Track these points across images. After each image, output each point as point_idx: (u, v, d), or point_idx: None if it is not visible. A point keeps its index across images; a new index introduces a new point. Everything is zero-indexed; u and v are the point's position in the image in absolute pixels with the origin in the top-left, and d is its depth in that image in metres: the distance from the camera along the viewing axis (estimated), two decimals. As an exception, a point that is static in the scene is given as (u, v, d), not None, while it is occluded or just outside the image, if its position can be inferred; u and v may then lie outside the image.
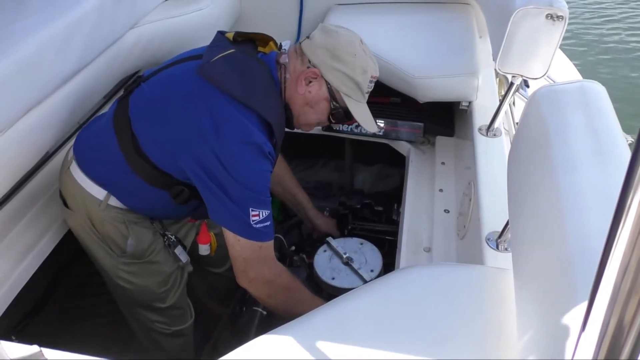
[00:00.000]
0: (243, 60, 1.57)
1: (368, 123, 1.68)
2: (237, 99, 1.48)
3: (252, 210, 1.49)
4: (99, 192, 1.67)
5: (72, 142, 2.02)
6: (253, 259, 1.56)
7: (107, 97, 2.31)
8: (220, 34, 1.67)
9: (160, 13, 2.31)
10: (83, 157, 1.69)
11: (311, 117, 1.67)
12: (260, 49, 1.68)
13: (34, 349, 1.06)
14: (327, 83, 1.61)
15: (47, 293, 2.26)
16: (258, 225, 1.51)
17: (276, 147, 1.58)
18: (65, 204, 1.75)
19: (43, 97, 1.75)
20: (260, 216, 1.51)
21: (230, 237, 1.54)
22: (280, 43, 1.72)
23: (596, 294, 0.53)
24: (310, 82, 1.60)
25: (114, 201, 1.68)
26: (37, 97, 1.73)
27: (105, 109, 2.26)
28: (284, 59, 1.63)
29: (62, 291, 2.29)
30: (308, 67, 1.59)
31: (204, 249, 1.90)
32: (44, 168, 1.89)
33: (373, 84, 1.66)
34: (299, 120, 1.68)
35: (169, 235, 1.81)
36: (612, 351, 0.53)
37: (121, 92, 2.38)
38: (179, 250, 1.83)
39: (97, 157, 1.68)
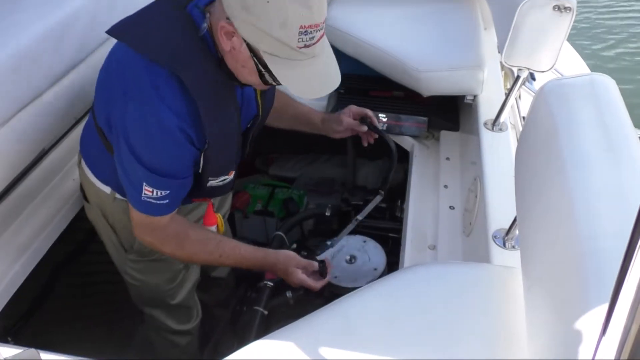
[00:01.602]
0: (159, 13, 1.44)
1: (302, 89, 1.37)
2: (147, 57, 1.36)
3: (146, 187, 1.43)
4: (106, 187, 1.67)
5: (69, 137, 2.03)
6: (140, 224, 1.55)
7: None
8: None
9: (158, 6, 2.30)
10: (86, 154, 1.70)
11: (247, 78, 1.42)
12: None
13: (31, 351, 1.05)
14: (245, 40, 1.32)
15: (43, 293, 2.25)
16: (149, 200, 1.45)
17: (204, 106, 1.39)
18: (85, 197, 1.77)
19: (39, 92, 1.74)
20: (155, 194, 1.44)
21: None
22: None
23: (618, 296, 0.52)
24: (232, 36, 1.33)
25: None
26: (33, 92, 1.72)
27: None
28: (212, 8, 1.39)
29: (59, 291, 2.29)
30: (226, 18, 1.31)
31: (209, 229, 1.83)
32: (40, 165, 1.88)
33: (314, 35, 1.29)
34: (240, 80, 1.45)
35: None
36: (635, 353, 0.52)
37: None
38: None
39: (92, 153, 1.68)
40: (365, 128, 1.99)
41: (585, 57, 3.73)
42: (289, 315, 1.68)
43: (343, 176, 2.84)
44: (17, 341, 1.39)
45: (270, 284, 1.87)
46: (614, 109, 1.12)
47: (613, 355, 0.55)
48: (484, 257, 1.47)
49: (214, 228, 1.81)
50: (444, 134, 2.25)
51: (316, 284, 1.72)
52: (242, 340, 1.63)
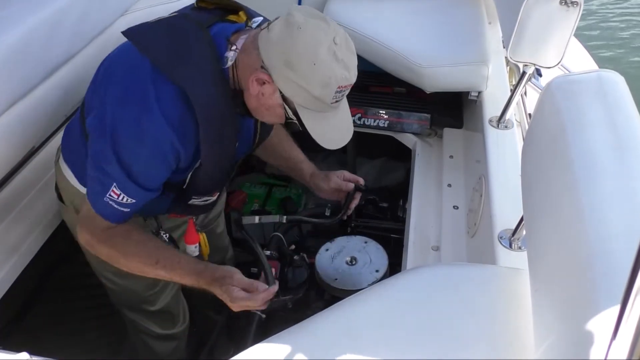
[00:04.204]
0: (181, 26, 1.44)
1: (327, 140, 1.47)
2: (158, 67, 1.38)
3: (114, 189, 1.43)
4: (85, 189, 1.66)
5: (59, 135, 2.02)
6: (86, 220, 1.52)
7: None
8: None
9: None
10: (68, 153, 1.68)
11: (268, 119, 1.52)
12: (232, 17, 1.52)
13: (23, 356, 1.06)
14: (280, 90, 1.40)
15: (33, 296, 2.26)
16: (111, 202, 1.45)
17: (206, 129, 1.42)
18: (60, 197, 1.74)
19: (29, 88, 1.74)
20: (120, 199, 1.44)
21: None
22: (253, 18, 1.53)
23: (629, 298, 0.53)
24: (263, 83, 1.40)
25: None
26: (23, 88, 1.72)
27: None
28: (239, 41, 1.44)
29: (49, 294, 2.29)
30: (262, 67, 1.38)
31: (191, 250, 1.79)
32: (30, 163, 1.88)
33: (344, 92, 1.42)
34: (256, 117, 1.53)
35: (162, 235, 1.79)
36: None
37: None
38: None
39: (74, 152, 1.65)
40: (352, 186, 1.88)
41: (592, 53, 3.73)
42: (288, 319, 1.68)
43: (342, 175, 2.83)
44: (6, 346, 1.38)
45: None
46: (623, 105, 1.12)
47: (625, 357, 0.56)
48: (490, 259, 1.48)
49: (195, 247, 1.78)
50: (448, 132, 2.25)
51: (256, 302, 1.53)
52: (238, 345, 1.63)
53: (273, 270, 1.97)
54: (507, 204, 1.60)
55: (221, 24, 1.49)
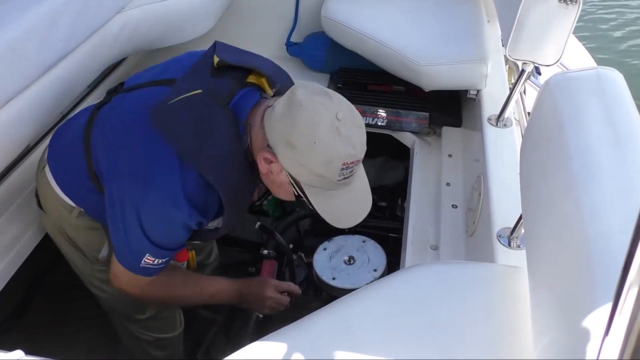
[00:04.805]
0: (204, 108, 1.44)
1: (337, 220, 1.47)
2: (184, 157, 1.41)
3: (148, 257, 1.50)
4: (69, 200, 1.65)
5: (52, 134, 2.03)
6: (124, 279, 1.58)
7: (92, 86, 2.31)
8: (212, 48, 1.55)
9: (148, -4, 2.30)
10: (55, 164, 1.65)
11: (280, 195, 1.53)
12: (252, 79, 1.52)
13: (17, 352, 1.05)
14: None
15: (28, 296, 2.26)
16: (148, 266, 1.52)
17: (229, 206, 1.48)
18: (39, 204, 1.73)
19: (25, 86, 1.74)
20: (155, 263, 1.52)
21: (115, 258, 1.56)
22: (274, 85, 1.53)
23: (620, 296, 0.53)
24: (270, 162, 1.41)
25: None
26: (18, 86, 1.72)
27: (90, 99, 2.26)
28: (256, 117, 1.44)
29: (45, 294, 2.29)
30: (268, 145, 1.39)
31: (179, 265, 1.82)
32: (24, 162, 1.89)
33: (354, 169, 1.40)
34: (271, 191, 1.56)
35: None
36: (637, 353, 0.53)
37: (105, 83, 2.39)
38: None
39: (66, 168, 1.64)
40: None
41: (590, 50, 3.74)
42: (285, 318, 1.68)
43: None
44: (2, 344, 1.38)
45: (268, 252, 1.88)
46: (622, 103, 1.12)
47: (616, 355, 0.56)
48: (488, 257, 1.48)
49: (183, 264, 1.80)
50: (446, 130, 2.25)
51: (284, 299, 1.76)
52: (236, 344, 1.63)
53: (271, 270, 1.97)
54: (505, 202, 1.60)
55: (242, 94, 1.48)
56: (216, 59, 1.50)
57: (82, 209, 1.65)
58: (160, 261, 1.52)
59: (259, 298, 1.71)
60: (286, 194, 1.49)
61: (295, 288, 1.76)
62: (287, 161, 1.37)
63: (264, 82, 1.52)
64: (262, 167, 1.42)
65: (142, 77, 1.63)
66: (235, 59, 1.53)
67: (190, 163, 1.40)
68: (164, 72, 1.60)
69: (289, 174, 1.39)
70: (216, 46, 1.56)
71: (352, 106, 1.43)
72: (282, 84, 1.55)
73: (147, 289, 1.60)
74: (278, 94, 1.50)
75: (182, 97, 1.43)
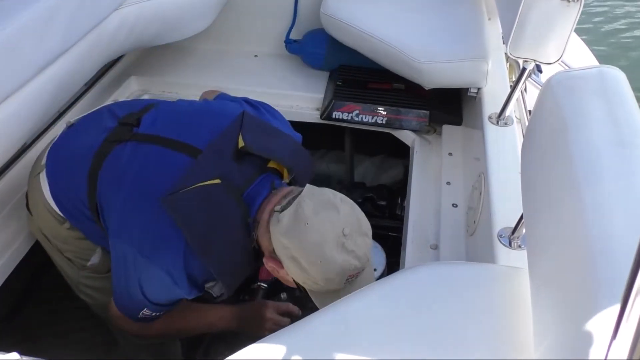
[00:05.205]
0: (219, 197, 1.44)
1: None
2: (191, 247, 1.42)
3: (146, 310, 1.55)
4: (59, 212, 1.64)
5: (51, 131, 2.02)
6: (123, 321, 1.63)
7: (89, 84, 2.30)
8: (240, 121, 1.54)
9: (146, -7, 2.29)
10: (53, 177, 1.63)
11: (286, 283, 1.54)
12: (272, 164, 1.54)
13: (13, 356, 1.05)
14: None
15: (23, 297, 2.25)
16: (146, 316, 1.57)
17: (229, 291, 1.55)
18: (27, 206, 1.71)
19: (21, 83, 1.73)
20: (153, 315, 1.57)
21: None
22: (291, 174, 1.56)
23: (629, 298, 0.52)
24: (274, 261, 1.45)
25: None
26: (15, 83, 1.71)
27: (87, 96, 2.25)
28: (260, 214, 1.46)
29: (42, 293, 2.28)
30: (273, 251, 1.43)
31: None
32: (21, 160, 1.88)
33: (360, 274, 1.42)
34: (278, 279, 1.58)
35: None
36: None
37: (102, 81, 2.38)
38: None
39: (66, 186, 1.62)
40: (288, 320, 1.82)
41: (593, 48, 3.73)
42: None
43: (340, 172, 2.84)
44: (-2, 346, 1.38)
45: (264, 285, 1.87)
46: (624, 102, 1.12)
47: (625, 357, 0.55)
48: (489, 257, 1.48)
49: None
50: (447, 129, 2.25)
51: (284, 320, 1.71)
52: (233, 345, 1.63)
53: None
54: (506, 201, 1.60)
55: (258, 181, 1.50)
56: (241, 143, 1.49)
57: (69, 222, 1.64)
58: (158, 314, 1.58)
59: (258, 320, 1.70)
60: (290, 284, 1.51)
61: (294, 308, 1.73)
62: (292, 271, 1.41)
63: (283, 169, 1.55)
64: (268, 266, 1.47)
65: (163, 120, 1.61)
66: (258, 146, 1.51)
67: (197, 254, 1.43)
68: (187, 128, 1.57)
69: (294, 279, 1.44)
70: (243, 121, 1.54)
71: (360, 213, 1.45)
72: (299, 168, 1.58)
73: (146, 328, 1.64)
74: (293, 182, 1.56)
75: (198, 185, 1.42)
